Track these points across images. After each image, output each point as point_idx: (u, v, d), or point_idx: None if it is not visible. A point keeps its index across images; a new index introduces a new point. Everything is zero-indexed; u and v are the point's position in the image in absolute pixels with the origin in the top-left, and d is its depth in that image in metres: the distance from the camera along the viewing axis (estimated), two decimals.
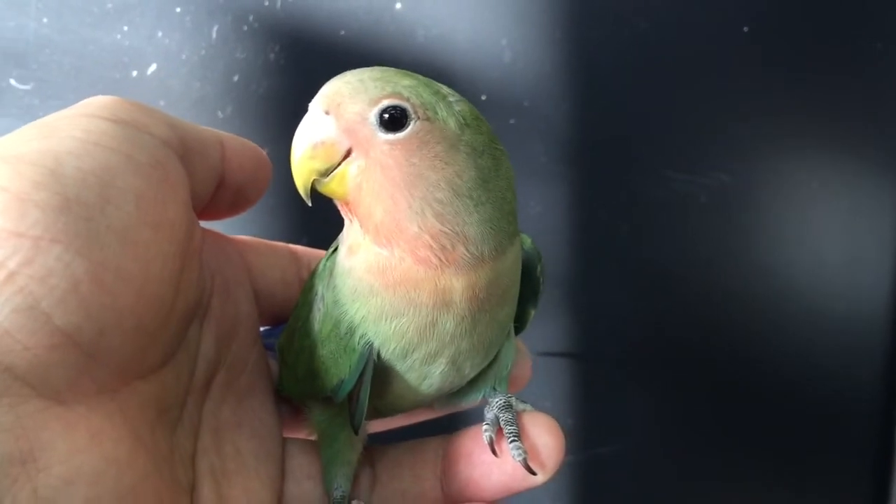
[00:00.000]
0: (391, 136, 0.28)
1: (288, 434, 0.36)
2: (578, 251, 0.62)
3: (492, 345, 0.33)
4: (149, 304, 0.27)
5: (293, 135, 0.30)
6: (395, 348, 0.31)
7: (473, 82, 0.57)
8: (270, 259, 0.37)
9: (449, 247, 0.28)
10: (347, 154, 0.29)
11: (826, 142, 0.61)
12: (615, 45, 0.58)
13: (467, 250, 0.29)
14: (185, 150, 0.30)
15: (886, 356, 0.64)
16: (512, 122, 0.58)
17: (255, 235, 0.37)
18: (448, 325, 0.30)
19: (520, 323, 0.36)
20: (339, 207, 0.30)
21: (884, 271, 0.63)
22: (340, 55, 0.55)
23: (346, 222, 0.31)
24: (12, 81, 0.50)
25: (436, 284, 0.29)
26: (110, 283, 0.25)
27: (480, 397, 0.36)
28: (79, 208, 0.25)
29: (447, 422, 0.37)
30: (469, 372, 0.33)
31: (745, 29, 0.59)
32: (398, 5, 0.55)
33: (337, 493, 0.33)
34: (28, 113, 0.50)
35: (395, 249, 0.29)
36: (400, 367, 0.32)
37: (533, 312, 0.36)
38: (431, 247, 0.28)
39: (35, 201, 0.24)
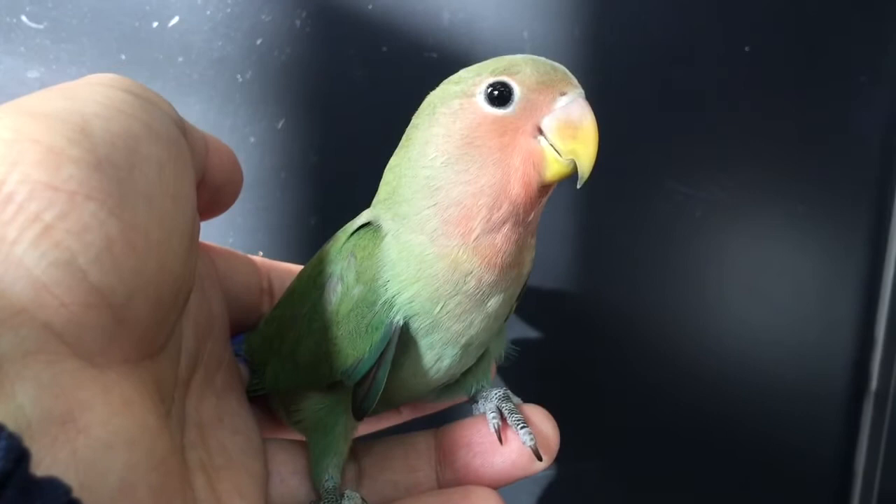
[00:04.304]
0: None
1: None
2: (576, 254, 0.63)
3: (492, 333, 0.34)
4: (167, 277, 0.26)
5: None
6: (423, 323, 0.32)
7: None
8: (234, 265, 0.37)
9: None
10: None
11: (813, 167, 0.65)
12: (628, 49, 0.60)
13: None
14: (186, 134, 0.30)
15: (850, 388, 0.68)
16: None
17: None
18: (484, 293, 0.32)
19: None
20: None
21: (853, 308, 0.67)
22: (366, 28, 0.53)
23: (424, 206, 0.32)
24: (24, 18, 0.45)
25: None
26: (140, 248, 0.25)
27: (471, 391, 0.37)
28: (110, 168, 0.24)
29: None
30: (468, 361, 0.35)
31: (747, 48, 0.62)
32: None
33: (329, 484, 0.33)
34: (38, 54, 0.46)
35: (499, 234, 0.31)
36: (422, 343, 0.32)
37: (514, 305, 0.37)
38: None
39: (69, 156, 0.23)
